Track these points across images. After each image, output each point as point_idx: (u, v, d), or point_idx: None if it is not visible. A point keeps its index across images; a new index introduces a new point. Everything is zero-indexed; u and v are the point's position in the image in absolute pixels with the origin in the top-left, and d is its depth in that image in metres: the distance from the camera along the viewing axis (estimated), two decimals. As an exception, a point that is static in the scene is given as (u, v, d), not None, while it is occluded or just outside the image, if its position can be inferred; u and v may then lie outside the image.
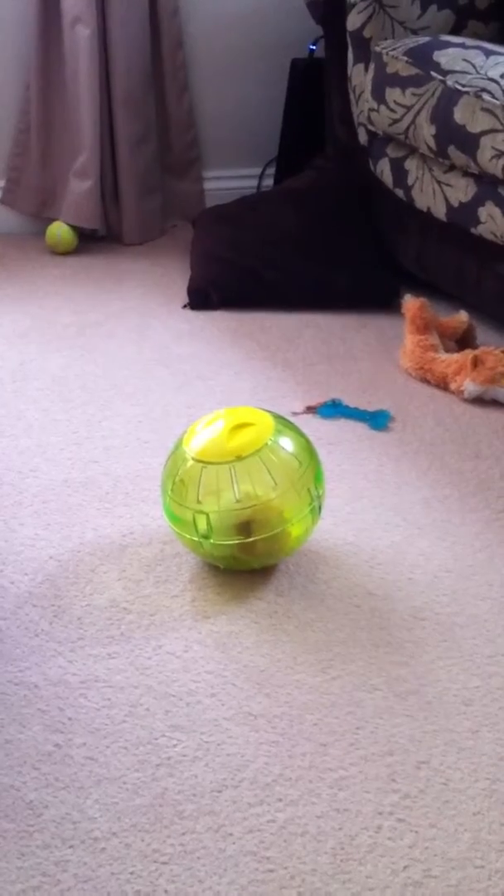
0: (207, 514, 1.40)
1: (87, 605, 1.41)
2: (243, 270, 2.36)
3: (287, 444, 1.45)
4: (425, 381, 2.03)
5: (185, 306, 2.35)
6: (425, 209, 2.24)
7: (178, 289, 2.41)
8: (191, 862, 1.06)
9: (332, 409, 1.93)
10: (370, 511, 1.64)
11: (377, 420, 1.89)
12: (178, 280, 2.45)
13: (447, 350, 2.07)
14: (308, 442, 1.49)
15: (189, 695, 1.26)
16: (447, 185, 2.17)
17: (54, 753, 1.17)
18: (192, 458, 1.42)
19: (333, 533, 1.58)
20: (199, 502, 1.40)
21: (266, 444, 1.42)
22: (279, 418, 1.49)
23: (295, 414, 1.91)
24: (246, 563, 1.46)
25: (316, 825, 1.10)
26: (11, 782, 1.13)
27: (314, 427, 1.87)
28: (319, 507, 1.47)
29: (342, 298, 2.34)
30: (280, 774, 1.16)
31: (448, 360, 2.01)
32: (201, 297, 2.35)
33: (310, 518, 1.46)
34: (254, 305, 2.33)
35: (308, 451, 1.47)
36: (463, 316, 2.12)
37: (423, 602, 1.43)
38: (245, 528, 1.41)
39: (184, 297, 2.37)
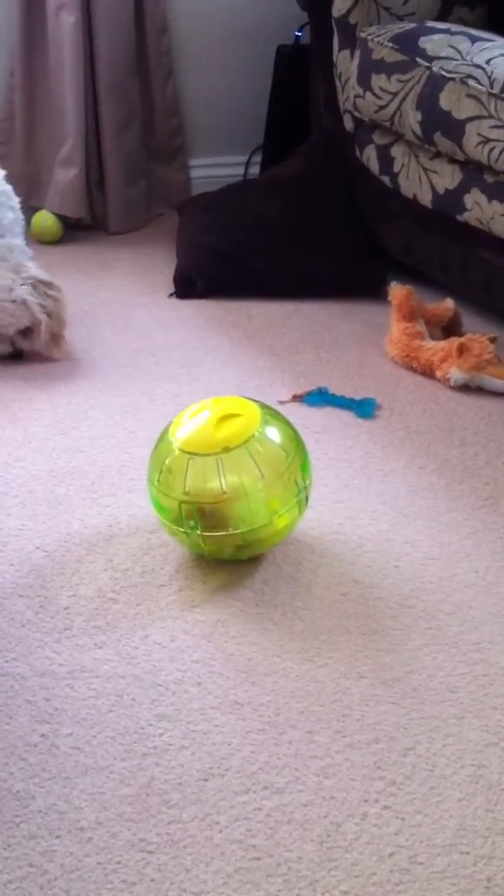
0: (194, 505, 1.40)
1: (73, 595, 1.41)
2: (229, 259, 2.35)
3: (274, 434, 1.45)
4: (411, 368, 2.03)
5: (170, 295, 2.34)
6: (411, 196, 2.24)
7: (164, 277, 2.40)
8: (177, 851, 1.06)
9: (319, 398, 1.92)
10: (356, 499, 1.64)
11: (363, 408, 1.89)
12: (163, 269, 2.44)
13: (433, 337, 2.07)
14: (295, 432, 1.49)
15: (175, 684, 1.27)
16: (433, 171, 2.16)
17: (41, 744, 1.17)
18: (179, 449, 1.42)
19: (320, 521, 1.58)
20: (186, 493, 1.40)
21: (253, 435, 1.42)
22: (266, 408, 1.49)
23: (281, 402, 1.91)
24: (233, 554, 1.46)
25: (302, 813, 1.11)
26: (-2, 773, 1.13)
27: (301, 415, 1.87)
28: (306, 499, 1.48)
29: (328, 286, 2.34)
30: (266, 762, 1.17)
31: (434, 348, 2.01)
32: (187, 286, 2.34)
33: (296, 509, 1.46)
34: (240, 294, 2.32)
35: (295, 441, 1.47)
36: (449, 303, 2.11)
37: (409, 590, 1.44)
38: (231, 519, 1.41)
39: (169, 286, 2.36)
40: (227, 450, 1.40)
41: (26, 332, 2.01)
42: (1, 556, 1.48)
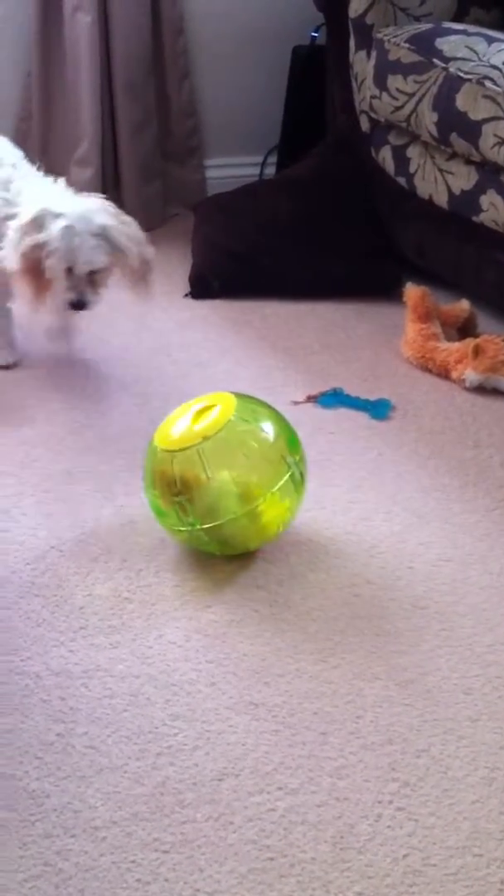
0: (188, 502, 1.41)
1: (88, 594, 1.42)
2: (245, 259, 2.35)
3: (252, 416, 1.46)
4: (426, 369, 2.03)
5: (186, 295, 2.35)
6: (427, 197, 2.23)
7: (180, 277, 2.40)
8: (191, 850, 1.06)
9: (333, 399, 1.93)
10: (370, 500, 1.64)
11: (378, 409, 1.89)
12: (178, 268, 2.45)
13: (448, 339, 2.07)
14: (275, 412, 1.50)
15: (190, 684, 1.27)
16: (449, 172, 2.16)
17: (56, 743, 1.18)
18: (163, 450, 1.43)
19: (333, 522, 1.58)
20: (177, 491, 1.41)
21: (230, 420, 1.43)
22: (243, 396, 1.49)
23: (296, 403, 1.91)
24: (241, 544, 1.47)
25: (316, 814, 1.11)
26: (13, 772, 1.14)
27: (315, 416, 1.88)
28: (301, 475, 1.48)
29: (343, 287, 2.34)
30: (280, 763, 1.17)
31: (449, 349, 2.01)
32: (202, 286, 2.35)
33: (291, 486, 1.46)
34: (255, 294, 2.33)
35: (276, 419, 1.48)
36: (464, 304, 2.11)
37: (422, 591, 1.44)
38: (224, 505, 1.42)
39: (185, 286, 2.37)
40: (206, 439, 1.41)
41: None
42: (17, 556, 1.49)
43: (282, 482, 1.44)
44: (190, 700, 1.25)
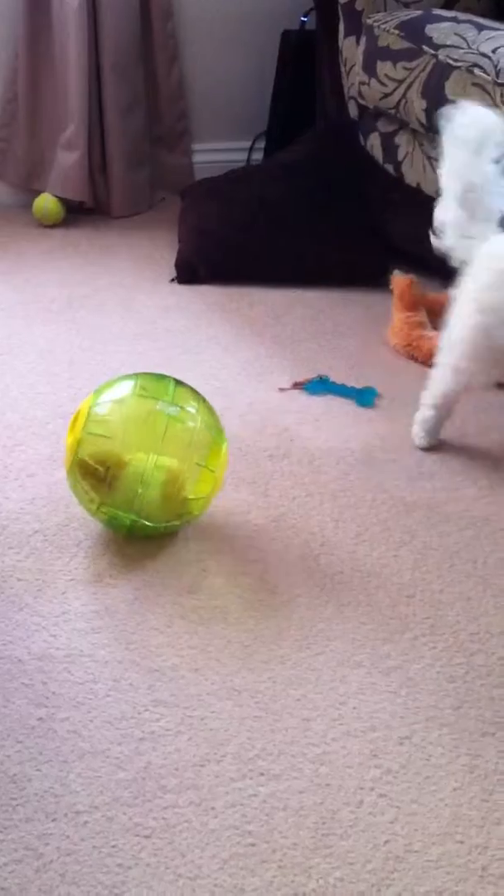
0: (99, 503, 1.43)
1: (71, 579, 1.41)
2: (232, 245, 2.34)
3: (110, 395, 1.46)
4: (412, 358, 2.03)
5: (172, 280, 2.34)
6: (415, 184, 2.23)
7: (166, 262, 2.39)
8: (173, 836, 1.06)
9: (320, 386, 1.92)
10: (356, 488, 1.64)
11: (364, 397, 1.89)
12: (165, 254, 2.44)
13: (435, 327, 2.06)
14: (140, 376, 1.49)
15: (172, 669, 1.27)
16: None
17: (38, 727, 1.17)
18: (70, 468, 1.46)
19: (320, 509, 1.58)
20: (92, 500, 1.44)
21: (89, 412, 1.44)
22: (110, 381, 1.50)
23: (282, 390, 1.90)
24: (187, 511, 1.47)
25: (298, 800, 1.11)
26: (-6, 756, 1.13)
27: (301, 403, 1.87)
28: (189, 418, 1.45)
29: (330, 274, 2.33)
30: (263, 749, 1.17)
31: (435, 338, 2.00)
32: (189, 271, 2.33)
33: (179, 424, 1.44)
34: (242, 280, 2.32)
35: (144, 382, 1.47)
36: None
37: (408, 579, 1.44)
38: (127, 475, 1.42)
39: (171, 271, 2.36)
40: (77, 441, 1.44)
41: None
42: (0, 539, 1.48)
43: (160, 433, 1.42)
44: (173, 686, 1.24)
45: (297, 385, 1.93)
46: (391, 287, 2.10)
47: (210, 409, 1.50)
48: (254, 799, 1.11)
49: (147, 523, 1.44)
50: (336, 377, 1.95)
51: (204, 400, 1.50)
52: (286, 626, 1.35)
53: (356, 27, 2.32)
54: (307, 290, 2.31)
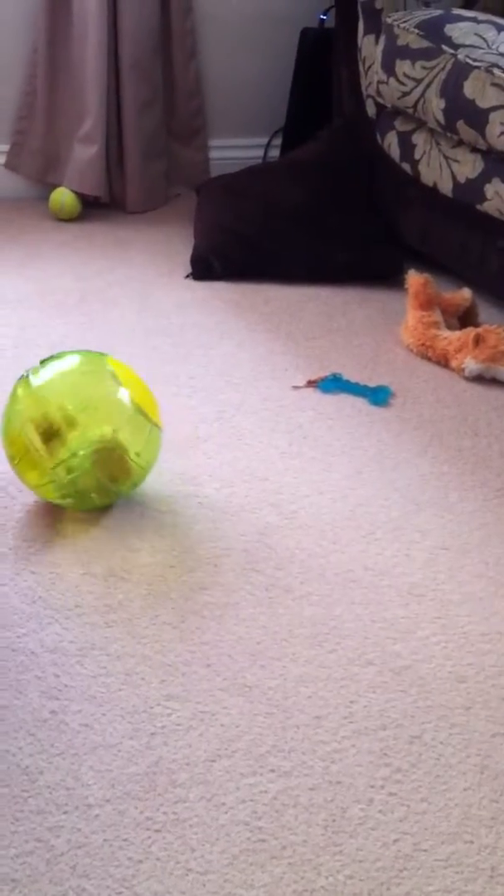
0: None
1: (84, 573, 1.41)
2: (247, 242, 2.35)
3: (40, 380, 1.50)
4: (426, 357, 2.03)
5: (187, 276, 2.34)
6: (431, 184, 2.23)
7: (181, 258, 2.40)
8: (183, 830, 1.07)
9: (333, 384, 1.92)
10: (368, 486, 1.64)
11: (378, 396, 1.89)
12: (180, 249, 2.44)
13: (449, 327, 2.06)
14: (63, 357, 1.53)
15: (184, 665, 1.27)
16: (454, 160, 2.15)
17: (50, 720, 1.18)
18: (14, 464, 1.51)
19: (332, 508, 1.58)
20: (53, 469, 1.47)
21: (15, 395, 1.49)
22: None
23: (296, 388, 1.91)
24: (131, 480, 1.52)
25: (308, 797, 1.11)
26: (7, 748, 1.14)
27: (315, 401, 1.87)
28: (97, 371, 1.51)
29: (345, 272, 2.33)
30: (273, 746, 1.17)
31: (450, 338, 2.00)
32: (204, 267, 2.34)
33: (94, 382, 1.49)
34: (256, 277, 2.32)
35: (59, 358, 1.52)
36: (466, 293, 2.11)
37: (419, 578, 1.44)
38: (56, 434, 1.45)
39: (186, 267, 2.36)
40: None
41: None
42: (14, 532, 1.49)
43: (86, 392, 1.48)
44: (184, 681, 1.25)
45: (310, 383, 1.93)
46: (406, 286, 2.10)
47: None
48: (264, 795, 1.11)
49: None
50: (349, 375, 1.95)
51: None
52: (297, 623, 1.35)
53: (375, 26, 2.32)
54: (321, 287, 2.31)
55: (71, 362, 1.52)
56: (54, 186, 2.59)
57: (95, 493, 1.49)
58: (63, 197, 2.56)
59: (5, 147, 2.65)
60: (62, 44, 2.51)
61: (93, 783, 1.11)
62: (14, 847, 1.03)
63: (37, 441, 1.44)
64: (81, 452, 1.44)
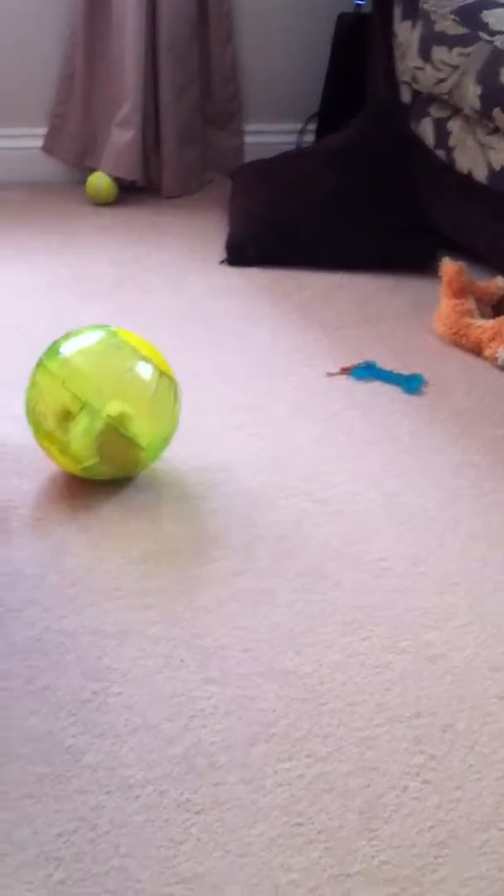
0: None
1: (122, 557, 1.44)
2: (281, 228, 2.35)
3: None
4: (459, 346, 2.03)
5: (222, 262, 2.35)
6: (466, 171, 2.23)
7: (216, 243, 2.41)
8: (222, 812, 1.09)
9: (367, 372, 1.93)
10: (402, 475, 1.65)
11: (411, 384, 1.90)
12: (215, 235, 2.45)
13: (483, 316, 2.07)
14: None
15: (222, 649, 1.29)
16: (490, 147, 2.15)
17: (91, 701, 1.20)
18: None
19: (365, 496, 1.60)
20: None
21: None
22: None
23: (330, 375, 1.92)
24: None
25: (344, 782, 1.13)
26: (50, 727, 1.16)
27: (348, 389, 1.89)
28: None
29: (378, 259, 2.33)
30: (309, 731, 1.19)
31: (483, 326, 2.01)
32: (239, 253, 2.34)
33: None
34: (290, 264, 2.33)
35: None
36: (500, 282, 2.11)
37: (452, 568, 1.45)
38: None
39: (221, 252, 2.37)
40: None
41: None
42: (53, 515, 1.51)
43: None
44: (222, 665, 1.27)
45: (344, 370, 1.94)
46: (440, 273, 2.10)
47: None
48: (301, 780, 1.13)
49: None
50: (382, 363, 1.96)
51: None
52: (332, 610, 1.37)
53: (412, 12, 2.31)
54: (355, 275, 2.31)
55: (85, 342, 1.55)
56: (91, 170, 2.60)
57: (116, 467, 1.54)
58: (100, 181, 2.57)
59: (43, 131, 2.66)
60: (101, 28, 2.51)
61: (134, 764, 1.13)
62: (57, 826, 1.06)
63: (53, 424, 1.49)
64: (91, 434, 1.48)
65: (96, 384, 1.49)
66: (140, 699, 1.21)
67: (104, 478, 1.55)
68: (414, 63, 2.28)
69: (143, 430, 1.52)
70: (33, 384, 1.53)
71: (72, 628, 1.30)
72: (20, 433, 1.59)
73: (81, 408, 1.47)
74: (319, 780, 1.13)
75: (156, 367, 1.53)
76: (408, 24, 2.34)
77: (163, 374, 1.54)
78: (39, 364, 1.54)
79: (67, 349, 1.53)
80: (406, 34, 2.35)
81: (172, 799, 1.10)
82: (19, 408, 1.57)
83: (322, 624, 1.34)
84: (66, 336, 1.56)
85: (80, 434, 1.48)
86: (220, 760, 1.14)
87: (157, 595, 1.37)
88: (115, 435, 1.49)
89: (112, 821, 1.07)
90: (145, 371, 1.53)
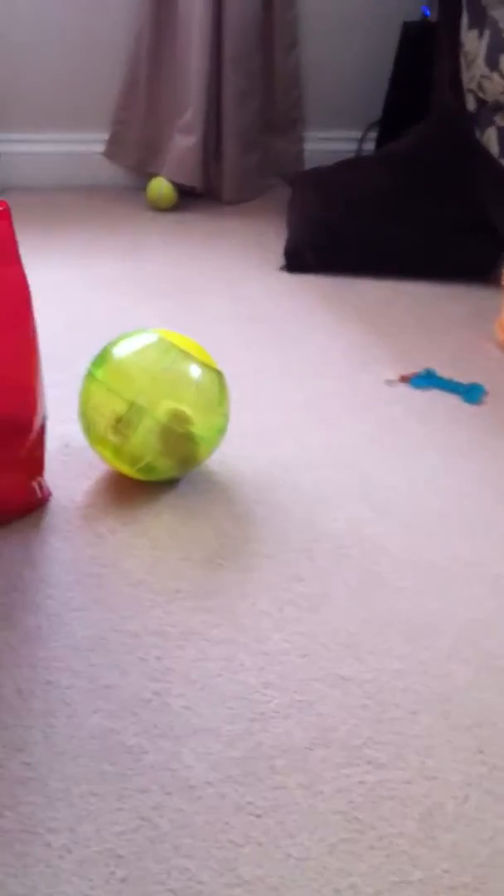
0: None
1: (182, 558, 1.44)
2: (340, 235, 2.35)
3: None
4: (521, 355, 2.02)
5: (281, 267, 2.35)
6: (530, 181, 2.21)
7: (274, 249, 2.41)
8: (282, 816, 1.09)
9: (426, 380, 1.93)
10: (460, 482, 1.64)
11: (471, 393, 1.89)
12: (273, 240, 2.45)
13: (545, 326, 2.05)
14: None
15: (282, 654, 1.29)
16: None
17: (153, 701, 1.20)
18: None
19: (423, 501, 1.59)
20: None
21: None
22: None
23: (389, 382, 1.91)
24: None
25: (404, 790, 1.13)
26: (112, 726, 1.17)
27: (407, 396, 1.88)
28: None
29: (439, 267, 2.33)
30: (369, 738, 1.18)
31: (545, 337, 1.99)
32: (298, 259, 2.35)
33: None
34: (349, 270, 2.33)
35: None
36: None
37: (514, 578, 1.44)
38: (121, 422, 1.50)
39: (279, 258, 2.38)
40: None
41: None
42: (115, 516, 1.52)
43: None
44: (282, 669, 1.27)
45: (403, 378, 1.93)
46: (502, 282, 2.09)
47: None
48: (361, 786, 1.13)
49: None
50: (441, 372, 1.95)
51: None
52: (391, 617, 1.36)
53: (480, 20, 2.30)
54: (414, 282, 2.31)
55: (131, 345, 1.55)
56: (152, 176, 2.62)
57: (173, 462, 1.54)
58: (161, 187, 2.59)
59: (105, 136, 2.68)
60: (166, 33, 2.53)
61: (195, 765, 1.13)
62: (119, 824, 1.06)
63: (105, 428, 1.50)
64: (144, 433, 1.49)
65: (143, 385, 1.50)
66: (200, 701, 1.21)
67: (160, 477, 1.56)
68: (480, 72, 2.27)
69: (195, 425, 1.52)
70: (83, 392, 1.54)
71: (134, 629, 1.31)
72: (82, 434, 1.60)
73: (130, 409, 1.48)
74: (379, 787, 1.13)
75: (200, 362, 1.54)
76: (475, 32, 2.33)
77: (207, 368, 1.54)
78: (87, 372, 1.55)
79: (112, 355, 1.54)
80: (473, 43, 2.34)
81: (233, 801, 1.10)
82: (82, 408, 1.58)
83: (382, 631, 1.34)
84: (112, 343, 1.57)
85: (135, 434, 1.49)
86: (279, 764, 1.14)
87: (217, 598, 1.37)
88: (170, 432, 1.50)
89: (173, 821, 1.07)
90: (190, 367, 1.53)
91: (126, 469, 1.55)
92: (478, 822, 1.10)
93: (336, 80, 2.75)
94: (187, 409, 1.51)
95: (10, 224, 1.36)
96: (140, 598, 1.36)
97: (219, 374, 1.57)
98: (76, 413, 1.57)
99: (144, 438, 1.49)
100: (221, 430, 1.58)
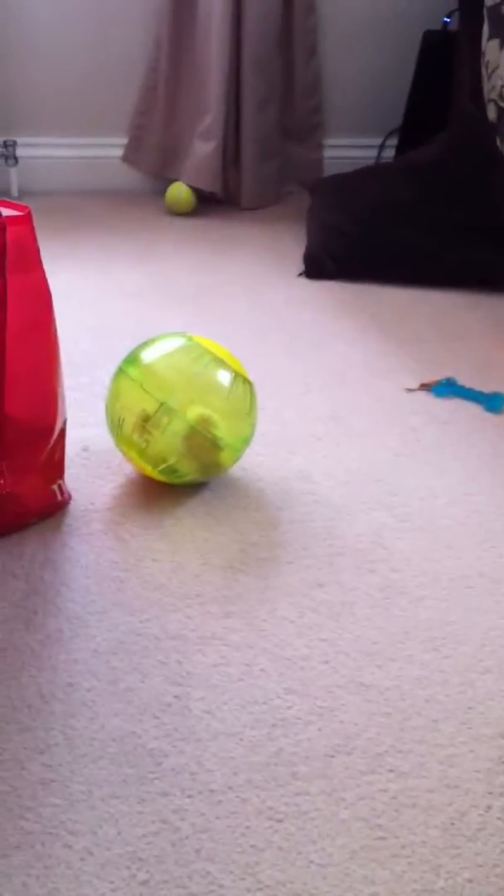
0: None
1: (203, 563, 1.44)
2: (359, 242, 2.35)
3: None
4: (540, 365, 2.02)
5: (300, 274, 2.35)
6: (551, 191, 2.21)
7: (293, 256, 2.41)
8: (304, 822, 1.08)
9: (447, 389, 1.92)
10: (483, 492, 1.64)
11: (493, 402, 1.88)
12: (293, 247, 2.45)
13: None
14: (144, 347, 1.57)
15: (303, 660, 1.28)
16: None
17: (174, 704, 1.20)
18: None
19: (445, 512, 1.58)
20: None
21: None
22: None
23: (409, 390, 1.91)
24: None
25: (426, 798, 1.12)
26: (133, 729, 1.16)
27: (428, 404, 1.87)
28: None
29: (459, 276, 2.32)
30: (391, 746, 1.18)
31: None
32: (317, 266, 2.35)
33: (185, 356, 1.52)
34: (369, 278, 2.33)
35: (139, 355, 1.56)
36: None
37: (536, 588, 1.43)
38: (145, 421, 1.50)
39: (298, 265, 2.37)
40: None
41: None
42: (134, 521, 1.51)
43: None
44: (303, 675, 1.26)
45: (424, 386, 1.93)
46: (522, 293, 2.09)
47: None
48: (383, 794, 1.12)
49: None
50: (461, 380, 1.95)
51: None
52: (413, 626, 1.36)
53: (500, 30, 2.30)
54: (434, 290, 2.30)
55: (163, 348, 1.55)
56: (170, 181, 2.62)
57: (198, 466, 1.54)
58: (179, 192, 2.60)
59: (123, 141, 2.69)
60: (186, 39, 2.54)
61: (216, 769, 1.13)
62: (140, 827, 1.06)
63: (132, 428, 1.49)
64: (171, 435, 1.48)
65: (175, 387, 1.50)
66: (221, 706, 1.21)
67: (183, 480, 1.56)
68: (502, 82, 2.27)
69: (222, 431, 1.52)
70: (113, 389, 1.54)
71: (154, 632, 1.30)
72: (104, 438, 1.60)
73: (159, 409, 1.48)
74: (401, 795, 1.12)
75: (232, 370, 1.54)
76: (496, 42, 2.33)
77: (238, 377, 1.54)
78: (119, 369, 1.55)
79: (146, 356, 1.54)
80: (494, 52, 2.34)
81: (254, 806, 1.09)
82: (102, 413, 1.58)
83: (403, 639, 1.33)
84: (145, 343, 1.57)
85: (161, 435, 1.49)
86: (301, 770, 1.14)
87: (238, 603, 1.37)
88: (197, 436, 1.50)
89: (194, 825, 1.06)
90: (222, 374, 1.53)
91: (148, 470, 1.55)
92: (501, 832, 1.09)
93: (356, 88, 2.76)
94: (215, 415, 1.51)
95: (33, 230, 1.36)
96: (161, 603, 1.35)
97: (249, 383, 1.56)
98: (95, 417, 1.57)
99: (170, 440, 1.49)
100: (247, 440, 1.58)
